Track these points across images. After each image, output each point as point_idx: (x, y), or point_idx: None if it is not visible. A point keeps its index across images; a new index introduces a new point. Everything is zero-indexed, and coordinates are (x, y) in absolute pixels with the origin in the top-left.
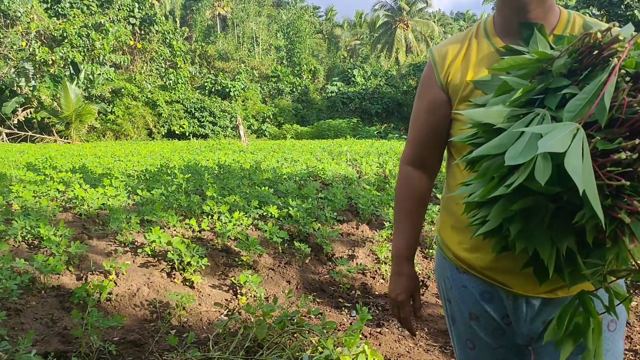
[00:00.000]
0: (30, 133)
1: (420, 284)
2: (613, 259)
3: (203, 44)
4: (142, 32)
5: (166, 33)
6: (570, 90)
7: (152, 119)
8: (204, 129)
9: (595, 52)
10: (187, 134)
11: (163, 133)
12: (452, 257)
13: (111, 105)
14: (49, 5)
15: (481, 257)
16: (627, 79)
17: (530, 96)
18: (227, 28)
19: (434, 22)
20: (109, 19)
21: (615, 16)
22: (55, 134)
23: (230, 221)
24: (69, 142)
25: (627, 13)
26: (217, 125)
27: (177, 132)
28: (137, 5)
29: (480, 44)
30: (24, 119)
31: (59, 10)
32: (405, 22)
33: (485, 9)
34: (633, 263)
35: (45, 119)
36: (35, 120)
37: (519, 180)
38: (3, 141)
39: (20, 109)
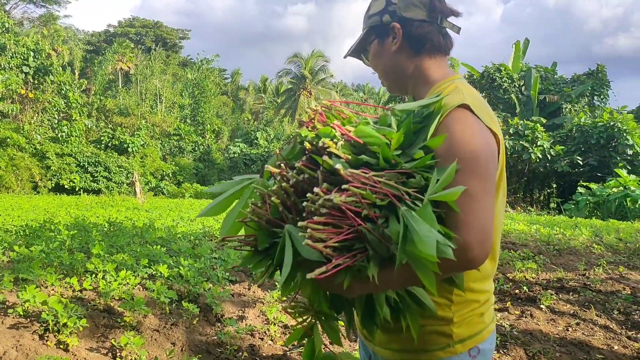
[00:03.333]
0: None
1: None
2: None
3: (102, 97)
4: (36, 81)
5: (62, 84)
6: None
7: (38, 172)
8: (98, 184)
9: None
10: (77, 188)
11: (50, 187)
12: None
13: None
14: None
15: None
16: (304, 144)
17: None
18: (130, 83)
19: (336, 92)
20: (0, 66)
21: (495, 98)
22: None
23: (115, 280)
24: None
25: (505, 96)
26: (112, 181)
27: (66, 186)
28: (32, 54)
29: None
30: None
31: None
32: (309, 90)
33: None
34: None
35: None
36: None
37: None
38: None
39: None
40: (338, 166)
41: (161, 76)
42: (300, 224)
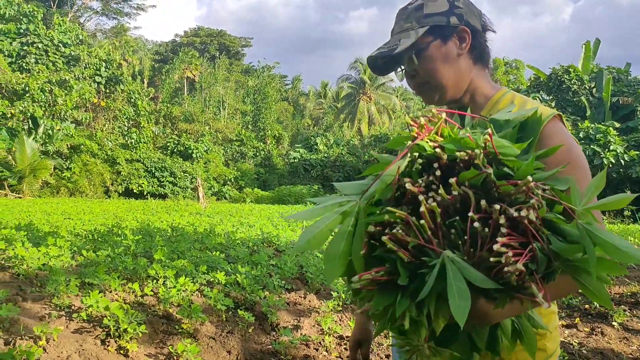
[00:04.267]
0: None
1: None
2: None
3: (169, 105)
4: (108, 90)
5: (132, 92)
6: None
7: (110, 177)
8: (164, 188)
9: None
10: (145, 193)
11: (120, 191)
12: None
13: (68, 162)
14: (13, 60)
15: None
16: (420, 161)
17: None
18: (195, 91)
19: (396, 96)
20: (74, 76)
21: (563, 101)
22: (6, 187)
23: (174, 286)
24: (20, 197)
25: (575, 99)
26: (177, 186)
27: (135, 190)
28: (104, 64)
29: None
30: None
31: (24, 65)
32: (368, 95)
33: None
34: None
35: None
36: None
37: None
38: None
39: None
40: (529, 178)
41: (224, 83)
42: (495, 247)
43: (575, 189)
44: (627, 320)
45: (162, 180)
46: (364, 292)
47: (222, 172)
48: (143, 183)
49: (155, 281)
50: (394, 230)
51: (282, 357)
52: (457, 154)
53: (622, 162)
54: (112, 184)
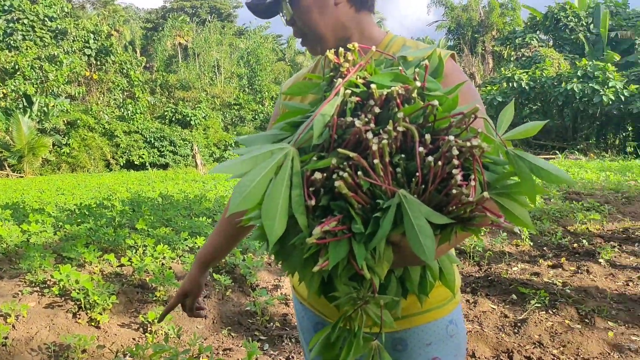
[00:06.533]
0: None
1: None
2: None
3: (164, 74)
4: (98, 62)
5: (123, 63)
6: None
7: (109, 150)
8: (165, 158)
9: (332, 74)
10: (146, 164)
11: (121, 164)
12: (293, 286)
13: (66, 137)
14: (0, 38)
15: (304, 286)
16: (354, 98)
17: (299, 120)
18: (189, 57)
19: None
20: (63, 50)
21: (560, 39)
22: (7, 168)
23: (151, 255)
24: (21, 177)
25: (572, 37)
26: (178, 154)
27: (136, 162)
28: (92, 36)
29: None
30: None
31: (11, 42)
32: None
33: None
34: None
35: None
36: None
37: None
38: None
39: None
40: (478, 106)
41: (218, 47)
42: (458, 178)
43: (489, 122)
44: (615, 257)
45: (162, 150)
46: (313, 247)
47: (222, 138)
48: (143, 154)
49: (134, 251)
50: (344, 174)
51: (258, 317)
52: (393, 89)
53: (622, 97)
54: (112, 157)
